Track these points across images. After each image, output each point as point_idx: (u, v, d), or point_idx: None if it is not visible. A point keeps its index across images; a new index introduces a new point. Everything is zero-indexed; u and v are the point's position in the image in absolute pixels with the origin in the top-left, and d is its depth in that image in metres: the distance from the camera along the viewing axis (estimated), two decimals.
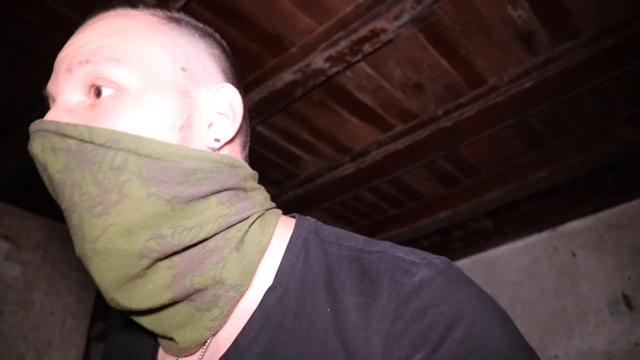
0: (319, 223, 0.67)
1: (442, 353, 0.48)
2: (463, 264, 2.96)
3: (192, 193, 0.55)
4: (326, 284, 0.58)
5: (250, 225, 0.61)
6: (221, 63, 0.67)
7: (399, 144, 2.12)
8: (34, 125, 0.56)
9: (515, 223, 2.71)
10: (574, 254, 2.62)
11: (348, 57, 1.65)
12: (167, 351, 0.62)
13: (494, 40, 1.70)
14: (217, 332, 0.60)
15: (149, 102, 0.57)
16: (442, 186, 2.46)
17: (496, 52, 1.75)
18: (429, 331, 0.49)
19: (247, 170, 0.63)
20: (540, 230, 2.72)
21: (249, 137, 0.74)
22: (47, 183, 0.57)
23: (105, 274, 0.54)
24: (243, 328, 0.58)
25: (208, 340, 0.60)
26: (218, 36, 0.72)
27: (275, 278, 0.60)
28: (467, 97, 1.92)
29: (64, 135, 0.54)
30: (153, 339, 0.67)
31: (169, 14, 0.66)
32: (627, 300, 2.42)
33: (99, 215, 0.53)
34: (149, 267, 0.55)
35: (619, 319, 2.42)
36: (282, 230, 0.65)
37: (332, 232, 0.65)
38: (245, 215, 0.60)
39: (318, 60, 1.66)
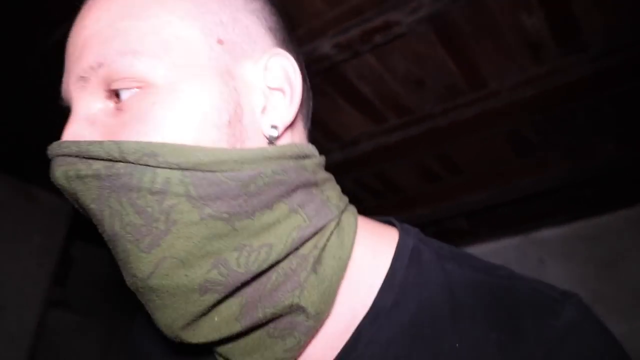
0: (422, 233, 0.56)
1: None
2: None
3: (255, 204, 0.45)
4: (451, 312, 0.48)
5: (328, 238, 0.50)
6: (267, 20, 0.54)
7: (391, 138, 2.09)
8: (52, 149, 0.46)
9: (489, 225, 2.74)
10: (542, 261, 2.67)
11: (357, 46, 1.60)
12: None
13: (503, 45, 1.68)
14: None
15: (184, 98, 0.45)
16: (425, 183, 2.45)
17: (502, 57, 1.73)
18: None
19: (316, 157, 0.52)
20: (512, 234, 2.76)
21: (311, 104, 0.60)
22: (81, 211, 0.48)
23: (165, 313, 0.45)
24: None
25: None
26: None
27: (377, 297, 0.50)
28: (466, 99, 1.90)
29: (90, 158, 0.44)
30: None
31: None
32: None
33: (148, 248, 0.43)
34: (215, 304, 0.46)
35: None
36: (367, 235, 0.54)
37: (442, 244, 0.55)
38: (320, 225, 0.49)
39: (325, 46, 1.60)
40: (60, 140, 0.46)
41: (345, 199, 0.55)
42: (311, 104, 0.60)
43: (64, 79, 0.50)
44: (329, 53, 1.62)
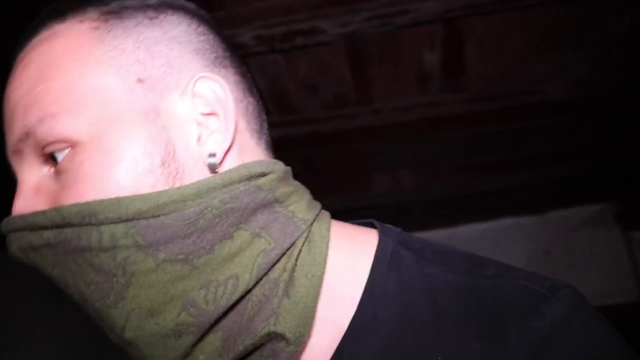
0: (405, 233, 0.54)
1: None
2: None
3: (210, 239, 0.45)
4: (433, 321, 0.46)
5: (297, 257, 0.48)
6: (191, 42, 0.51)
7: (271, 132, 2.10)
8: (4, 227, 0.47)
9: None
10: None
11: (276, 43, 1.59)
12: None
13: (398, 71, 1.82)
14: None
15: (110, 150, 0.44)
16: None
17: (394, 82, 1.87)
18: None
19: (273, 173, 0.49)
20: None
21: (264, 112, 0.58)
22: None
23: None
24: None
25: None
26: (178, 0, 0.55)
27: (357, 312, 0.48)
28: (350, 111, 2.01)
29: (38, 228, 0.45)
30: None
31: (103, 7, 0.49)
32: None
33: (115, 303, 0.44)
34: (194, 344, 0.45)
35: None
36: (343, 244, 0.51)
37: (425, 244, 0.53)
38: (287, 245, 0.47)
39: (246, 36, 1.56)
40: (9, 216, 0.47)
41: (317, 207, 0.53)
42: (264, 115, 0.58)
43: (6, 150, 0.49)
44: (248, 43, 1.58)
